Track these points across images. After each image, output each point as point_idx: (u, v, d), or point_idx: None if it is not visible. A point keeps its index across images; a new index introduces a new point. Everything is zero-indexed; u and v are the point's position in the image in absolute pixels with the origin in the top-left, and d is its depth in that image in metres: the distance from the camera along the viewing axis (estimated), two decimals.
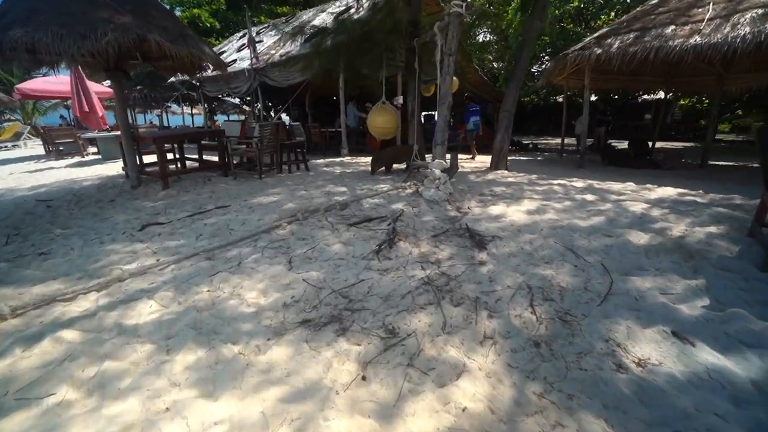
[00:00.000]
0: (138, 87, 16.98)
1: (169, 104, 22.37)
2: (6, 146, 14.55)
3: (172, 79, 14.61)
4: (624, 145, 12.40)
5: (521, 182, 5.58)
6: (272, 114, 18.70)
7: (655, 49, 5.84)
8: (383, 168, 6.29)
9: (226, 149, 5.94)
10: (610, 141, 15.25)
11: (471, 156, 10.16)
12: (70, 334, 2.28)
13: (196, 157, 6.78)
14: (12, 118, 22.20)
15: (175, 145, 6.82)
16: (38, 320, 2.45)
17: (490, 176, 6.22)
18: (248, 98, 19.54)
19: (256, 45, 11.46)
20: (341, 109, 10.28)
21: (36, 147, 14.27)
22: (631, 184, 5.36)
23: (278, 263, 3.08)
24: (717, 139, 21.52)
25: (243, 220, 4.05)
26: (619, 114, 19.42)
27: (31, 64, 4.85)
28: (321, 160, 8.87)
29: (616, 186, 5.18)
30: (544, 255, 3.05)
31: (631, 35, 6.30)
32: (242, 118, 19.29)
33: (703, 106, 22.32)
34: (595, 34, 7.08)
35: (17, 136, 14.87)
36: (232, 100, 24.27)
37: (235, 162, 6.55)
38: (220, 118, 23.19)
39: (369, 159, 9.04)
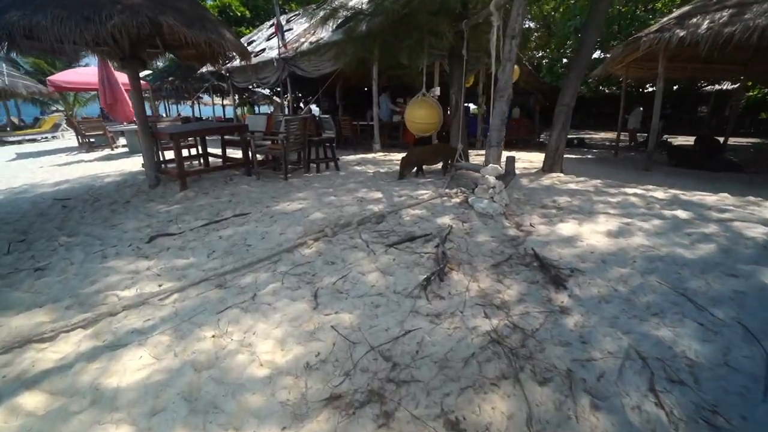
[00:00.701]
0: (170, 78, 16.95)
1: (201, 95, 22.51)
2: (46, 137, 14.81)
3: (203, 69, 14.39)
4: (678, 140, 11.07)
5: (587, 190, 4.72)
6: (302, 105, 18.27)
7: (762, 29, 4.78)
8: (415, 170, 5.57)
9: (249, 146, 5.41)
10: (665, 137, 13.86)
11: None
12: (32, 400, 1.76)
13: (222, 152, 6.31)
14: (56, 108, 22.94)
15: (198, 140, 6.38)
16: (1, 372, 1.95)
17: (546, 181, 5.39)
18: (278, 89, 19.25)
19: (285, 33, 10.91)
20: (374, 101, 9.59)
21: (72, 139, 14.47)
22: (726, 195, 4.40)
23: (301, 297, 2.47)
24: None
25: (263, 234, 3.48)
26: (674, 107, 17.74)
27: (34, 52, 4.44)
28: (352, 156, 8.24)
29: (709, 198, 4.25)
30: (649, 302, 2.29)
31: (726, 13, 5.24)
32: (271, 109, 18.94)
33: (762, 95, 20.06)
34: (675, 13, 6.01)
35: (56, 128, 15.11)
36: (262, 90, 24.11)
37: (260, 159, 6.03)
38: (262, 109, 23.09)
39: (403, 154, 8.34)
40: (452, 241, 3.19)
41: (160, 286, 2.71)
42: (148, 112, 19.14)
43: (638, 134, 13.56)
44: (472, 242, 3.17)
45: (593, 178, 5.80)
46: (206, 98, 23.40)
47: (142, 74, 19.41)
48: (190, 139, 6.45)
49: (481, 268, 2.76)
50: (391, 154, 8.79)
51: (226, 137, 6.25)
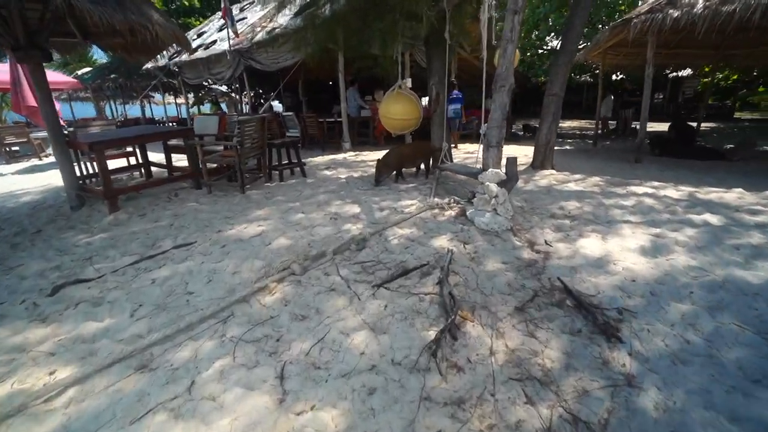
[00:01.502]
0: (112, 76, 15.30)
1: (152, 94, 20.76)
2: None
3: (148, 65, 12.99)
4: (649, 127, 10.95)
5: (592, 191, 4.19)
6: (263, 102, 17.08)
7: (766, 7, 4.38)
8: (394, 175, 4.87)
9: (196, 154, 4.50)
10: (634, 124, 13.87)
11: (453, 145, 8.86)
12: None
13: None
14: None
15: (138, 148, 5.36)
16: None
17: (542, 180, 4.82)
18: (236, 85, 17.95)
19: (235, 20, 9.85)
20: (341, 95, 8.78)
21: None
22: (741, 191, 3.99)
23: (261, 382, 1.71)
24: (734, 118, 20.28)
25: (210, 273, 2.66)
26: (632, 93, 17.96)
27: None
28: (320, 158, 7.41)
29: (728, 196, 3.81)
30: (740, 361, 1.69)
31: None
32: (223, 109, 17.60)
33: (727, 83, 20.84)
34: None
35: None
36: (220, 87, 22.62)
37: (214, 166, 5.10)
38: (206, 108, 21.45)
39: (376, 153, 7.63)
40: (456, 272, 2.50)
41: (51, 374, 1.86)
42: (92, 114, 17.30)
43: (609, 122, 13.45)
44: (482, 273, 2.49)
45: (587, 173, 5.31)
46: (159, 97, 21.69)
47: (80, 72, 17.53)
48: (126, 148, 5.42)
49: (502, 314, 2.09)
50: (363, 153, 8.02)
51: (172, 143, 5.28)
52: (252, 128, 4.51)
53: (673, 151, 7.48)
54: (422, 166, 5.10)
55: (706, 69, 17.04)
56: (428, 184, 4.67)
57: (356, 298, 2.28)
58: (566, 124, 18.97)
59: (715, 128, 14.47)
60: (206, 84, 22.99)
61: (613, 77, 14.87)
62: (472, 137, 11.40)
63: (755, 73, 18.24)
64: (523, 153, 7.60)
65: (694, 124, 9.74)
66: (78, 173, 4.55)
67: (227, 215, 3.79)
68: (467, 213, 3.23)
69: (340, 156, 7.68)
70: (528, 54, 13.96)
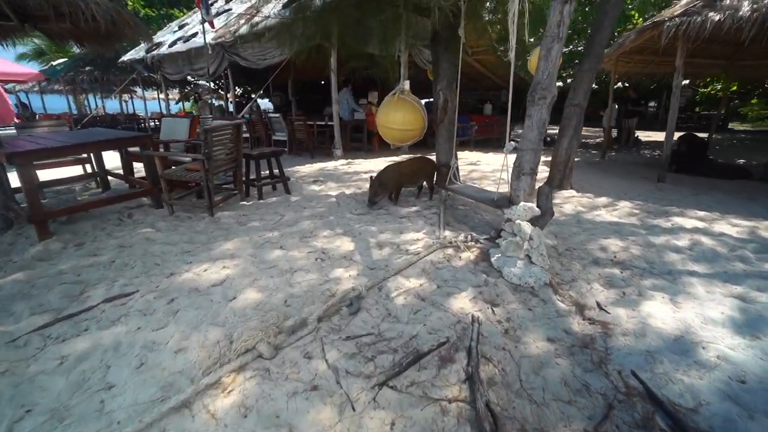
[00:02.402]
0: (87, 68, 14.28)
1: (134, 88, 19.70)
2: None
3: (125, 57, 12.06)
4: (648, 137, 10.44)
5: (631, 224, 3.53)
6: (255, 100, 16.20)
7: None
8: (392, 196, 4.16)
9: (154, 167, 3.70)
10: (636, 134, 13.41)
11: None
12: None
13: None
14: None
15: (93, 156, 4.54)
16: None
17: (566, 206, 4.15)
18: (221, 82, 17.01)
19: (213, 10, 9.04)
20: (333, 97, 8.03)
21: None
22: None
23: None
24: (728, 129, 20.13)
25: (144, 351, 1.89)
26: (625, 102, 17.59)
27: None
28: (308, 167, 6.65)
29: None
30: None
31: None
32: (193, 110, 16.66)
33: (716, 92, 20.65)
34: None
35: None
36: (206, 83, 21.65)
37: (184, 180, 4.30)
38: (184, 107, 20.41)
39: (370, 162, 6.92)
40: (489, 357, 1.79)
41: None
42: (64, 108, 16.15)
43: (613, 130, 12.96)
44: (525, 360, 1.79)
45: (612, 195, 4.66)
46: (146, 92, 20.63)
47: (55, 62, 16.39)
48: (70, 156, 4.58)
49: None
50: (356, 161, 7.28)
51: (133, 151, 4.46)
52: (223, 137, 3.74)
53: (693, 168, 6.92)
54: (424, 183, 4.39)
55: (707, 80, 16.78)
56: (433, 208, 3.96)
57: (349, 406, 1.55)
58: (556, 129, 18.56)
59: (713, 140, 14.10)
60: (192, 80, 22.01)
61: (616, 85, 14.33)
62: (470, 144, 10.75)
63: (749, 87, 18.11)
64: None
65: (704, 136, 9.25)
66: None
67: (186, 248, 3.01)
68: (492, 258, 2.52)
69: (330, 165, 6.93)
70: (528, 57, 13.37)
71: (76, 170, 5.23)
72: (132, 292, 2.41)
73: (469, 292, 2.29)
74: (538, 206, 2.63)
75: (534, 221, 2.58)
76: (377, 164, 6.92)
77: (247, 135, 9.87)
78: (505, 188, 3.05)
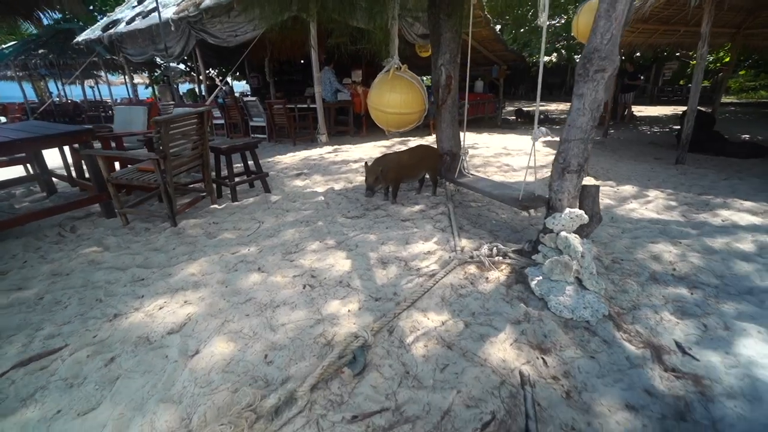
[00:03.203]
0: (40, 51, 12.98)
1: (98, 73, 18.27)
2: None
3: (79, 38, 10.90)
4: (641, 111, 9.99)
5: (676, 221, 3.02)
6: (228, 83, 15.13)
7: None
8: (389, 190, 3.56)
9: (98, 168, 3.00)
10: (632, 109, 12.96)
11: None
12: None
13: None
14: None
15: (33, 156, 3.78)
16: None
17: None
18: (196, 64, 15.85)
19: None
20: (314, 77, 7.27)
21: None
22: None
23: None
24: (723, 103, 19.93)
25: None
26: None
27: None
28: (290, 157, 5.96)
29: None
30: None
31: None
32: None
33: (708, 64, 20.28)
34: None
35: None
36: (177, 66, 20.32)
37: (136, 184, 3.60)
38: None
39: (359, 149, 6.25)
40: None
41: None
42: (24, 97, 14.84)
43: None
44: None
45: (635, 182, 4.16)
46: (110, 77, 19.18)
47: (4, 46, 14.91)
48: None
49: None
50: (343, 148, 6.61)
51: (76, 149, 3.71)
52: (186, 129, 3.05)
53: (703, 147, 6.47)
54: (426, 176, 3.79)
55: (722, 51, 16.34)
56: (440, 206, 3.38)
57: None
58: (552, 107, 17.96)
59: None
60: (162, 62, 20.62)
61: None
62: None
63: (741, 58, 17.83)
64: (536, 149, 6.42)
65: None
66: None
67: (139, 275, 2.38)
68: (531, 282, 1.97)
69: (315, 153, 6.25)
70: (522, 30, 12.65)
71: (18, 171, 4.47)
72: (58, 347, 1.80)
73: (507, 332, 1.75)
74: (586, 210, 2.07)
75: (579, 231, 2.03)
76: (367, 151, 6.27)
77: (221, 122, 9.04)
78: (529, 178, 2.48)
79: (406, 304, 1.92)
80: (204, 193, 3.52)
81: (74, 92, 21.44)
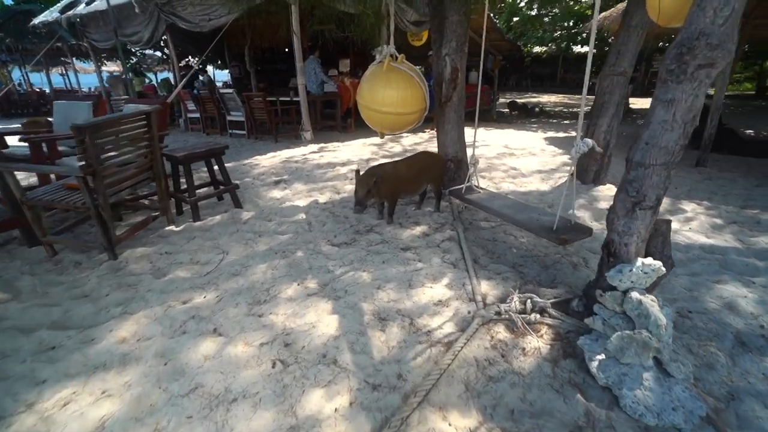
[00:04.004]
0: None
1: (67, 60, 17.07)
2: None
3: (36, 20, 9.89)
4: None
5: (732, 247, 2.50)
6: (201, 70, 14.20)
7: None
8: (384, 207, 2.95)
9: (8, 188, 2.34)
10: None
11: (431, 129, 7.40)
12: None
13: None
14: None
15: None
16: None
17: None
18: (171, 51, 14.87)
19: None
20: (297, 67, 6.57)
21: None
22: None
23: None
24: (710, 95, 19.66)
25: None
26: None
27: None
28: (269, 158, 5.30)
29: None
30: None
31: None
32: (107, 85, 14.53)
33: None
34: None
35: None
36: (153, 52, 19.19)
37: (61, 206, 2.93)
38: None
39: (347, 148, 5.57)
40: None
41: None
42: None
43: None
44: None
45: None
46: (82, 64, 17.98)
47: None
48: None
49: None
50: (330, 146, 5.98)
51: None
52: (127, 134, 2.40)
53: (719, 145, 6.02)
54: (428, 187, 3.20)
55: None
56: (446, 228, 2.80)
57: None
58: (544, 98, 17.44)
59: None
60: (136, 49, 19.50)
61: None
62: None
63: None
64: (539, 148, 5.89)
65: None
66: None
67: (48, 341, 1.75)
68: (590, 365, 1.41)
69: (298, 153, 5.59)
70: (516, 19, 12.03)
71: None
72: None
73: None
74: (657, 251, 1.52)
75: (653, 286, 1.48)
76: (356, 150, 5.65)
77: (197, 115, 8.26)
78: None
79: (417, 399, 1.35)
80: (156, 214, 2.86)
81: (45, 81, 20.12)
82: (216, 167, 3.23)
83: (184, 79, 6.80)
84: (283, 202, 3.43)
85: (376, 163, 4.46)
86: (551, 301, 1.77)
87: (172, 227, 2.91)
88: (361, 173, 2.69)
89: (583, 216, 3.01)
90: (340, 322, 1.79)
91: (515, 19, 12.11)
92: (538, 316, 1.68)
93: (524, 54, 15.10)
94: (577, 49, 13.63)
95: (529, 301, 1.75)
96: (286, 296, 2.01)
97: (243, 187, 3.94)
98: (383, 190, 2.70)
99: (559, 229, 2.00)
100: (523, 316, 1.69)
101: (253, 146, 6.38)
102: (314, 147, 6.02)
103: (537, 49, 16.11)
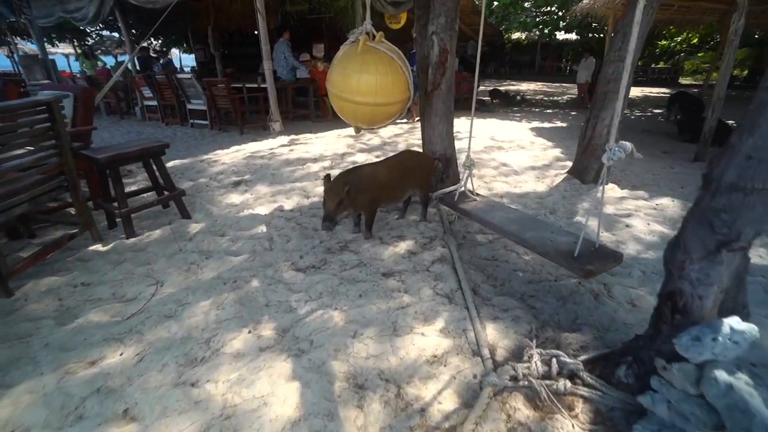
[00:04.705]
0: None
1: (14, 40, 15.59)
2: None
3: None
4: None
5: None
6: (154, 52, 13.13)
7: None
8: (361, 220, 2.44)
9: None
10: None
11: (410, 119, 6.92)
12: None
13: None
14: None
15: None
16: None
17: (628, 219, 2.68)
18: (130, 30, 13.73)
19: None
20: (263, 51, 5.91)
21: None
22: None
23: None
24: (680, 84, 19.83)
25: None
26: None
27: None
28: (232, 153, 4.69)
29: None
30: None
31: None
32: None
33: (674, 45, 20.00)
34: None
35: None
36: (110, 33, 17.85)
37: None
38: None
39: (320, 140, 4.98)
40: None
41: None
42: None
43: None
44: None
45: (665, 191, 3.31)
46: (33, 45, 16.41)
47: None
48: None
49: None
50: (301, 139, 5.41)
51: None
52: (25, 130, 1.81)
53: (721, 140, 5.79)
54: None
55: (673, 30, 15.88)
56: (436, 243, 2.34)
57: None
58: (523, 86, 17.13)
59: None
60: (93, 29, 18.09)
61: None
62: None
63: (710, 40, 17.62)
64: (528, 140, 5.50)
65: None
66: None
67: None
68: None
69: (265, 146, 5.01)
70: (497, 3, 11.55)
71: None
72: None
73: None
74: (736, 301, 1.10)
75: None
76: (330, 143, 5.11)
77: (153, 103, 7.45)
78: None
79: None
80: (74, 231, 2.28)
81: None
82: (157, 170, 2.65)
83: (124, 63, 5.89)
84: (241, 210, 2.88)
85: (350, 164, 3.99)
86: (582, 358, 1.35)
87: (98, 246, 2.34)
88: (332, 179, 2.18)
89: (593, 225, 2.61)
90: (302, 394, 1.31)
91: (495, 3, 11.61)
92: (568, 383, 1.25)
93: (505, 40, 14.66)
94: (561, 35, 13.27)
95: (554, 361, 1.31)
96: (232, 351, 1.52)
97: (196, 189, 3.36)
98: (360, 200, 2.20)
99: (582, 256, 1.58)
100: (548, 382, 1.26)
101: (215, 139, 5.72)
102: (284, 139, 5.44)
103: (516, 35, 15.71)
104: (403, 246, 2.31)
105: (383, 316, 1.69)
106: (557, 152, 4.77)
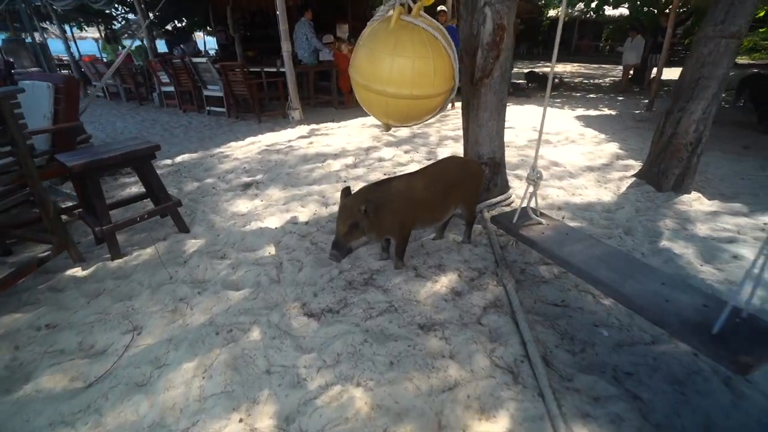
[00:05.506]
0: None
1: (45, 25, 15.68)
2: None
3: None
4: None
5: None
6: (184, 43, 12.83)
7: None
8: (387, 245, 1.92)
9: None
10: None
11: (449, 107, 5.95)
12: None
13: None
14: None
15: None
16: None
17: (729, 245, 2.09)
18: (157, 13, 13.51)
19: None
20: (281, 31, 5.39)
21: None
22: None
23: None
24: (739, 64, 17.89)
25: None
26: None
27: None
28: (246, 146, 4.27)
29: None
30: None
31: None
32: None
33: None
34: None
35: None
36: (133, 16, 17.69)
37: None
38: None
39: (342, 131, 4.39)
40: None
41: None
42: None
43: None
44: None
45: (760, 199, 2.66)
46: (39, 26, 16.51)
47: None
48: None
49: None
50: (322, 130, 4.93)
51: None
52: None
53: None
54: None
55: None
56: (486, 279, 1.84)
57: None
58: (559, 68, 15.89)
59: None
60: (119, 12, 17.99)
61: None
62: None
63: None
64: (577, 132, 4.83)
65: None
66: None
67: None
68: None
69: (282, 138, 4.57)
70: None
71: None
72: None
73: None
74: None
75: None
76: (353, 134, 4.61)
77: (171, 89, 7.11)
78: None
79: None
80: (49, 251, 1.90)
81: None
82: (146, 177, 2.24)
83: (125, 50, 5.49)
84: (248, 222, 2.45)
85: (375, 161, 3.47)
86: None
87: (78, 269, 1.96)
88: (351, 193, 1.70)
89: (686, 254, 2.02)
90: None
91: None
92: None
93: (545, 18, 13.50)
94: (609, 11, 11.97)
95: None
96: None
97: (200, 193, 2.96)
98: (386, 223, 1.71)
99: (725, 335, 1.04)
100: None
101: (231, 128, 5.33)
102: (303, 129, 4.98)
103: (553, 12, 14.45)
104: (445, 281, 1.82)
105: (423, 402, 1.21)
106: (614, 148, 4.10)
